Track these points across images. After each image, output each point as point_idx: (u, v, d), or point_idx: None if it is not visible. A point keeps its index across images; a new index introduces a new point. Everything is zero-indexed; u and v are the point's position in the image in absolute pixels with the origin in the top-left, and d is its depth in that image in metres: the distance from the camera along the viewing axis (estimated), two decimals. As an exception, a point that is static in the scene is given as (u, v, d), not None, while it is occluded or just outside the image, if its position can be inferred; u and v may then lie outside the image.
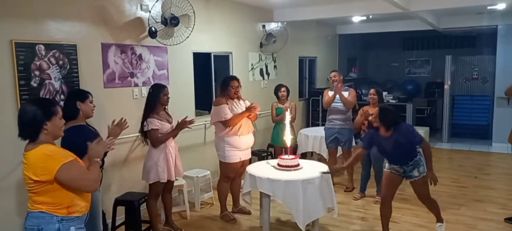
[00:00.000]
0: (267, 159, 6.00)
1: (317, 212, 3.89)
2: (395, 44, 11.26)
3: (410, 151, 3.75)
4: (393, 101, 8.80)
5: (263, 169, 4.10)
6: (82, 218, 2.37)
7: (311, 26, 8.36)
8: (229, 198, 4.82)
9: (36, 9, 3.64)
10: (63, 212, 2.25)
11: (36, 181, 2.17)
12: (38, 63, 3.64)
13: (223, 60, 6.11)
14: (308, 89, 8.67)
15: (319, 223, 4.25)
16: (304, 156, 6.35)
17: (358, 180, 5.53)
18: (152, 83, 4.54)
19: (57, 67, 3.80)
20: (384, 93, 7.55)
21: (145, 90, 4.57)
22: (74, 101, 3.12)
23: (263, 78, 6.98)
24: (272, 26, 6.90)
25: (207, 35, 5.59)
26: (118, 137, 3.38)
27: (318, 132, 6.20)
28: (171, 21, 4.53)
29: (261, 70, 6.92)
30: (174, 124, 4.08)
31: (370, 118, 4.81)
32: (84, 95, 3.19)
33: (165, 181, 4.04)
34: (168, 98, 4.05)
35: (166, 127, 3.99)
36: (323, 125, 6.18)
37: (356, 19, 7.81)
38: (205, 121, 5.46)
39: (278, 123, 5.87)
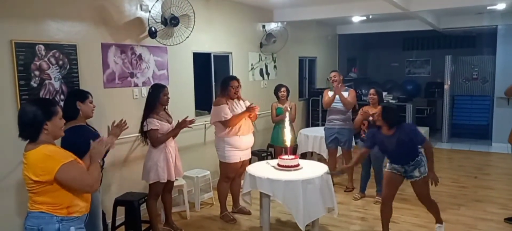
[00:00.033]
0: (267, 159, 6.00)
1: (317, 212, 3.89)
2: (395, 44, 11.27)
3: (412, 150, 3.75)
4: (393, 101, 8.80)
5: (263, 169, 4.10)
6: (82, 218, 2.37)
7: (311, 26, 8.36)
8: (229, 198, 4.82)
9: (36, 9, 3.64)
10: (63, 212, 2.25)
11: (36, 181, 2.17)
12: (38, 63, 3.64)
13: (223, 60, 6.11)
14: (308, 89, 8.68)
15: (319, 223, 4.25)
16: (304, 156, 6.35)
17: (358, 180, 5.53)
18: (152, 83, 4.54)
19: (57, 67, 3.80)
20: (384, 93, 7.55)
21: (145, 91, 4.57)
22: (74, 101, 3.12)
23: (263, 78, 6.98)
24: (272, 26, 6.90)
25: (207, 35, 5.59)
26: (118, 137, 3.38)
27: (318, 132, 6.20)
28: (171, 21, 4.53)
29: (261, 70, 6.92)
30: (174, 124, 4.08)
31: (370, 118, 4.82)
32: (84, 96, 3.19)
33: (165, 181, 4.04)
34: (168, 98, 4.05)
35: (166, 127, 3.99)
36: (323, 125, 6.18)
37: (356, 19, 7.81)
38: (205, 121, 5.46)
39: (278, 123, 5.87)
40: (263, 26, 6.81)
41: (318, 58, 8.97)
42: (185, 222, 4.69)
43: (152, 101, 3.98)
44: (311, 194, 3.76)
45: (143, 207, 4.20)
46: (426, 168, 3.75)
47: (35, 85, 3.63)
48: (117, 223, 4.20)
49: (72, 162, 2.22)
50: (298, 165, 4.05)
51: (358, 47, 11.25)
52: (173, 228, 4.35)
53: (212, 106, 4.55)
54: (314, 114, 8.41)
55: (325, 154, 6.00)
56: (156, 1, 4.57)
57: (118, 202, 4.14)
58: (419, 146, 3.78)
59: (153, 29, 4.52)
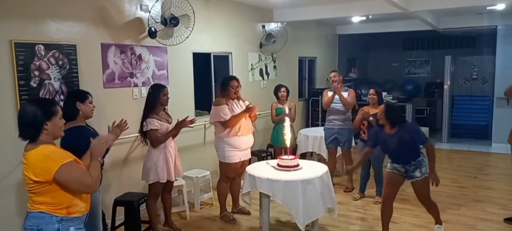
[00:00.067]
0: (266, 159, 6.00)
1: (317, 212, 3.89)
2: (394, 45, 11.27)
3: (414, 150, 3.75)
4: (393, 101, 8.78)
5: (262, 169, 4.09)
6: (81, 219, 2.37)
7: (310, 26, 8.36)
8: (229, 198, 4.82)
9: (35, 9, 3.64)
10: (62, 212, 2.25)
11: (36, 181, 2.17)
12: (37, 63, 3.64)
13: (223, 60, 6.11)
14: (308, 89, 8.68)
15: (319, 223, 4.25)
16: (303, 156, 6.34)
17: (357, 180, 5.53)
18: (152, 83, 4.54)
19: (57, 68, 3.80)
20: (384, 93, 7.54)
21: (144, 91, 4.57)
22: (74, 101, 3.12)
23: (263, 79, 6.98)
24: (272, 26, 6.90)
25: (206, 35, 5.59)
26: (118, 137, 3.38)
27: (318, 132, 6.20)
28: (170, 21, 4.53)
29: (261, 70, 6.92)
30: (174, 123, 4.08)
31: (371, 118, 4.82)
32: (83, 96, 3.19)
33: (165, 181, 4.04)
34: (167, 98, 4.05)
35: (165, 127, 3.98)
36: (322, 125, 6.18)
37: (356, 19, 7.81)
38: (205, 121, 5.46)
39: (277, 123, 5.87)
40: (263, 26, 6.81)
41: (318, 59, 8.97)
42: (184, 222, 4.68)
43: (151, 101, 3.98)
44: (310, 194, 3.76)
45: (143, 207, 4.20)
46: (427, 169, 3.75)
47: (34, 85, 3.63)
48: (117, 223, 4.20)
49: (72, 162, 2.22)
50: (297, 165, 4.05)
51: (358, 47, 11.26)
52: (172, 228, 4.35)
53: (212, 106, 4.55)
54: (314, 114, 8.41)
55: (325, 154, 6.00)
56: (156, 1, 4.57)
57: (117, 202, 4.14)
58: (420, 146, 3.79)
59: (153, 29, 4.52)
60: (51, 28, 3.76)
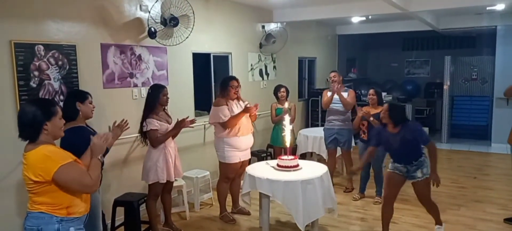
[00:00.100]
0: (266, 159, 6.00)
1: (316, 213, 3.89)
2: (394, 45, 11.28)
3: (416, 150, 3.76)
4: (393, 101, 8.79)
5: (262, 170, 4.09)
6: (81, 219, 2.37)
7: (310, 26, 8.36)
8: (229, 198, 4.82)
9: (35, 10, 3.64)
10: (62, 212, 2.25)
11: (36, 181, 2.17)
12: (37, 63, 3.64)
13: (223, 60, 6.11)
14: (308, 89, 8.68)
15: (319, 223, 4.25)
16: (303, 156, 6.34)
17: (357, 181, 5.53)
18: (152, 83, 4.54)
19: (57, 68, 3.80)
20: (384, 93, 7.54)
21: (144, 91, 4.57)
22: (74, 102, 3.12)
23: (263, 79, 6.98)
24: (272, 26, 6.90)
25: (206, 36, 5.59)
26: (119, 137, 3.39)
27: (318, 132, 6.20)
28: (170, 21, 4.53)
29: (261, 70, 6.92)
30: (174, 124, 4.08)
31: (371, 118, 4.82)
32: (83, 96, 3.19)
33: (165, 181, 4.04)
34: (167, 98, 4.05)
35: (165, 127, 3.98)
36: (322, 125, 6.18)
37: (356, 19, 7.82)
38: (205, 122, 5.46)
39: (277, 123, 5.87)
40: (263, 27, 6.81)
41: (317, 59, 8.97)
42: (184, 222, 4.68)
43: (151, 101, 3.98)
44: (310, 195, 3.76)
45: (143, 207, 4.20)
46: (429, 169, 3.75)
47: (34, 85, 3.63)
48: (117, 223, 4.19)
49: (71, 163, 2.22)
50: (297, 166, 4.05)
51: (358, 47, 11.26)
52: (172, 229, 4.35)
53: (212, 107, 4.55)
54: (313, 114, 8.41)
55: (324, 155, 5.99)
56: (156, 2, 4.57)
57: (117, 203, 4.14)
58: (422, 146, 3.79)
59: (152, 29, 4.52)
60: (51, 29, 3.76)
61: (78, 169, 2.25)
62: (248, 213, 4.83)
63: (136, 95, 4.62)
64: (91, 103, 3.21)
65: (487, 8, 6.75)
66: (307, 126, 8.22)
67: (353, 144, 5.70)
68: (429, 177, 3.75)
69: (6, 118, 3.40)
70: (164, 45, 4.80)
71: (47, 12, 3.72)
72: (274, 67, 7.29)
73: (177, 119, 4.06)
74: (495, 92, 8.13)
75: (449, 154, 8.01)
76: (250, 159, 4.79)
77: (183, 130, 4.16)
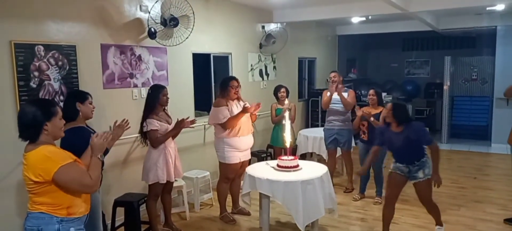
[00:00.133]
0: (266, 159, 6.00)
1: (316, 213, 3.88)
2: (394, 45, 11.28)
3: (418, 150, 3.76)
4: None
5: (262, 170, 4.09)
6: (81, 219, 2.37)
7: (310, 27, 8.36)
8: (229, 199, 4.82)
9: (35, 10, 3.64)
10: (62, 213, 2.25)
11: (36, 181, 2.17)
12: (37, 64, 3.64)
13: (223, 61, 6.11)
14: (308, 90, 8.68)
15: (319, 224, 4.24)
16: (303, 156, 6.34)
17: (357, 181, 5.53)
18: (152, 84, 4.54)
19: (57, 68, 3.80)
20: (384, 94, 7.54)
21: (144, 91, 4.57)
22: (74, 102, 3.12)
23: (263, 79, 6.98)
24: (272, 27, 6.90)
25: (206, 36, 5.59)
26: (120, 138, 3.39)
27: (318, 132, 6.20)
28: (170, 22, 4.53)
29: (261, 71, 6.92)
30: (174, 124, 4.08)
31: (371, 119, 4.83)
32: (83, 97, 3.19)
33: (165, 182, 4.04)
34: (167, 99, 4.05)
35: (165, 127, 3.98)
36: (322, 125, 6.19)
37: (356, 20, 7.82)
38: (205, 122, 5.46)
39: (277, 123, 5.87)
40: (263, 27, 6.81)
41: (317, 59, 8.97)
42: (184, 223, 4.68)
43: (151, 102, 3.98)
44: (310, 195, 3.76)
45: (143, 208, 4.20)
46: (430, 170, 3.75)
47: (34, 86, 3.63)
48: (117, 224, 4.19)
49: (71, 163, 2.22)
50: (297, 166, 4.04)
51: (358, 48, 11.26)
52: (172, 229, 4.35)
53: (212, 107, 4.55)
54: (313, 115, 8.41)
55: (324, 155, 5.99)
56: (156, 2, 4.58)
57: (117, 203, 4.14)
58: (425, 146, 3.79)
59: (152, 30, 4.52)
60: (51, 29, 3.76)
61: (78, 169, 2.25)
62: (248, 214, 4.83)
63: (136, 96, 4.62)
64: (91, 103, 3.21)
65: (487, 8, 6.75)
66: (307, 126, 8.22)
67: (353, 144, 5.70)
68: (430, 178, 3.75)
69: (6, 118, 3.40)
70: (164, 45, 4.80)
71: (47, 12, 3.72)
72: (274, 67, 7.29)
73: (177, 119, 4.06)
74: (495, 92, 8.13)
75: (449, 154, 8.01)
76: (250, 159, 4.79)
77: (183, 130, 4.16)
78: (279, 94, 5.89)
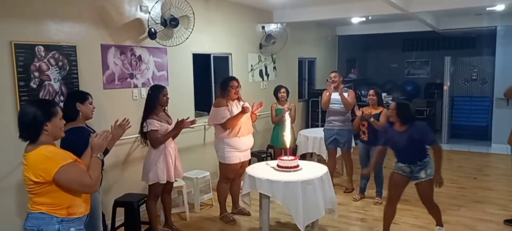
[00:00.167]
0: (266, 160, 6.00)
1: (317, 213, 3.88)
2: (394, 45, 11.28)
3: (421, 150, 3.77)
4: (393, 102, 8.77)
5: (262, 170, 4.09)
6: (82, 219, 2.37)
7: (310, 27, 8.37)
8: (229, 199, 4.82)
9: (35, 10, 3.64)
10: (63, 213, 2.25)
11: (36, 182, 2.17)
12: (37, 64, 3.64)
13: (223, 61, 6.11)
14: (308, 90, 8.68)
15: (319, 224, 4.24)
16: (303, 157, 6.34)
17: (357, 181, 5.53)
18: (152, 84, 4.54)
19: (57, 69, 3.80)
20: (384, 94, 7.54)
21: (144, 92, 4.57)
22: (74, 102, 3.12)
23: (263, 79, 6.98)
24: (272, 27, 6.90)
25: (206, 36, 5.59)
26: (120, 138, 3.39)
27: (318, 133, 6.20)
28: (170, 22, 4.54)
29: (261, 71, 6.93)
30: (174, 124, 4.08)
31: (371, 119, 4.83)
32: (83, 97, 3.19)
33: (165, 182, 4.04)
34: (167, 99, 4.05)
35: (165, 127, 3.98)
36: (322, 126, 6.19)
37: (356, 20, 7.82)
38: (205, 122, 5.46)
39: (277, 124, 5.87)
40: (263, 27, 6.82)
41: (317, 59, 8.97)
42: (184, 223, 4.68)
43: (151, 102, 3.98)
44: (310, 195, 3.76)
45: (143, 208, 4.20)
46: (432, 171, 3.75)
47: (34, 86, 3.63)
48: (117, 224, 4.20)
49: (72, 163, 2.22)
50: (297, 166, 4.05)
51: (358, 48, 11.27)
52: (172, 229, 4.35)
53: (212, 107, 4.55)
54: (313, 115, 8.41)
55: (324, 155, 5.99)
56: (156, 2, 4.58)
57: (117, 203, 4.14)
58: (427, 146, 3.79)
59: (152, 30, 4.53)
60: (51, 29, 3.77)
61: (79, 169, 2.25)
62: (248, 214, 4.83)
63: (136, 96, 4.63)
64: (91, 104, 3.21)
65: (487, 8, 6.75)
66: (307, 127, 8.23)
67: (353, 144, 5.70)
68: (432, 178, 3.75)
69: (6, 118, 3.41)
70: (164, 46, 4.80)
71: (47, 12, 3.73)
72: (274, 68, 7.29)
73: (177, 119, 4.06)
74: (495, 92, 8.13)
75: (449, 155, 8.00)
76: (250, 160, 4.79)
77: (183, 130, 4.16)
78: (279, 95, 5.89)
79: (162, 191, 4.18)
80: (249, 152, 4.70)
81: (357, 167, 5.61)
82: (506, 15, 7.55)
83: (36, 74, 3.64)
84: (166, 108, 4.14)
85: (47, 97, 3.69)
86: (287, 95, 5.96)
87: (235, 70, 6.17)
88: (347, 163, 5.74)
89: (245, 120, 4.48)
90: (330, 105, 5.47)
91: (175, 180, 4.30)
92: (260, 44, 6.74)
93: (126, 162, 4.60)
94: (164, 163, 3.99)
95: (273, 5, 6.52)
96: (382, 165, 5.18)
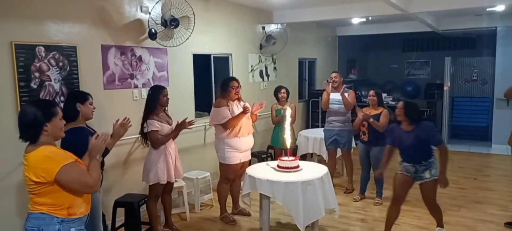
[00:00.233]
0: (267, 160, 6.00)
1: (317, 214, 3.89)
2: (394, 46, 11.28)
3: (427, 150, 3.77)
4: (393, 102, 8.79)
5: (262, 171, 4.10)
6: (82, 220, 2.37)
7: (310, 27, 8.37)
8: (229, 199, 4.82)
9: (36, 11, 3.64)
10: (63, 213, 2.25)
11: (37, 182, 2.17)
12: (38, 64, 3.64)
13: (223, 61, 6.11)
14: (308, 90, 8.68)
15: (319, 224, 4.24)
16: (304, 157, 6.34)
17: (357, 182, 5.53)
18: (152, 84, 4.54)
19: (57, 69, 3.81)
20: (384, 94, 7.55)
21: (145, 92, 4.57)
22: (74, 103, 3.12)
23: (263, 80, 6.98)
24: (272, 27, 6.91)
25: (207, 37, 5.59)
26: (121, 137, 3.40)
27: (318, 133, 6.19)
28: (171, 22, 4.54)
29: (261, 71, 6.93)
30: (174, 125, 4.09)
31: (371, 120, 4.82)
32: (84, 97, 3.19)
33: (165, 182, 4.04)
34: (167, 99, 4.05)
35: (166, 128, 3.99)
36: (322, 126, 6.19)
37: (356, 20, 7.83)
38: (205, 122, 5.47)
39: (278, 124, 5.87)
40: (263, 28, 6.82)
41: (318, 60, 8.97)
42: (184, 223, 4.68)
43: (151, 102, 3.98)
44: (311, 196, 3.76)
45: (143, 208, 4.20)
46: (437, 171, 3.74)
47: (35, 86, 3.63)
48: (117, 224, 4.20)
49: (73, 163, 2.22)
50: (297, 166, 4.05)
51: (358, 48, 11.27)
52: (172, 230, 4.35)
53: (212, 108, 4.55)
54: (314, 115, 8.41)
55: (325, 155, 5.99)
56: (156, 3, 4.58)
57: (118, 204, 4.14)
58: (433, 148, 3.79)
59: (153, 30, 4.53)
60: (52, 30, 3.77)
61: (80, 169, 2.26)
62: (248, 214, 4.83)
63: (136, 97, 4.63)
64: (91, 104, 3.22)
65: (487, 9, 6.75)
66: (307, 127, 8.23)
67: (353, 144, 5.70)
68: (437, 179, 3.75)
69: (6, 119, 3.41)
70: (165, 46, 4.80)
71: (47, 13, 3.73)
72: (275, 68, 7.30)
73: (177, 121, 4.07)
74: (495, 93, 8.12)
75: (449, 155, 7.93)
76: (250, 160, 4.79)
77: (183, 131, 4.16)
78: (280, 95, 5.89)
79: (162, 192, 4.18)
80: (249, 152, 4.70)
81: (357, 168, 5.61)
82: (506, 16, 7.55)
83: (37, 74, 3.64)
84: (166, 108, 4.14)
85: (47, 98, 3.69)
86: (287, 96, 5.96)
87: (235, 70, 6.17)
88: (347, 163, 5.74)
89: (245, 120, 4.49)
90: (330, 106, 5.47)
91: (176, 181, 4.31)
92: (261, 45, 6.75)
93: (127, 162, 4.61)
94: (164, 163, 4.00)
95: (273, 5, 6.53)
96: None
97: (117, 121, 3.34)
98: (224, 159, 4.50)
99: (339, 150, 5.66)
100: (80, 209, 2.33)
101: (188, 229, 4.54)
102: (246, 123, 4.49)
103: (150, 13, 4.54)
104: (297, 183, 3.74)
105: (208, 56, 5.75)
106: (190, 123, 4.14)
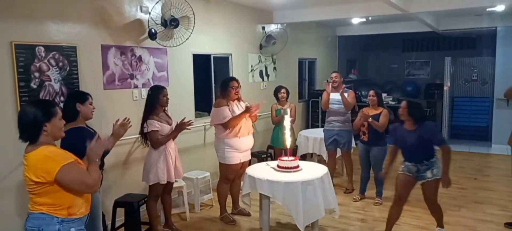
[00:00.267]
0: (266, 160, 6.00)
1: (317, 214, 3.89)
2: (394, 46, 11.29)
3: (429, 149, 3.77)
4: (393, 102, 8.80)
5: (262, 171, 4.10)
6: (82, 220, 2.37)
7: (310, 27, 8.37)
8: (229, 199, 4.82)
9: (36, 11, 3.64)
10: (63, 213, 2.25)
11: (37, 182, 2.17)
12: (38, 64, 3.65)
13: (223, 61, 6.11)
14: (308, 90, 8.68)
15: (319, 224, 4.24)
16: (304, 157, 6.34)
17: (357, 182, 5.53)
18: (152, 84, 4.54)
19: (57, 69, 3.81)
20: (384, 94, 7.55)
21: (145, 92, 4.57)
22: (74, 103, 3.13)
23: (263, 80, 6.98)
24: (272, 27, 6.91)
25: (207, 37, 5.59)
26: (121, 138, 3.40)
27: (318, 133, 6.19)
28: (170, 22, 4.54)
29: (261, 71, 6.93)
30: (174, 125, 4.09)
31: (370, 120, 4.82)
32: (83, 97, 3.19)
33: (165, 182, 4.04)
34: (167, 99, 4.05)
35: (166, 128, 3.99)
36: (322, 126, 6.19)
37: (356, 20, 7.83)
38: (205, 123, 5.47)
39: (277, 124, 5.87)
40: (263, 28, 6.82)
41: (318, 60, 8.98)
42: (184, 223, 4.68)
43: (151, 102, 3.98)
44: (310, 196, 3.76)
45: (143, 208, 4.20)
46: (439, 171, 3.74)
47: (35, 86, 3.63)
48: (117, 224, 4.20)
49: (73, 163, 2.22)
50: (297, 166, 4.05)
51: (358, 48, 11.27)
52: (172, 230, 4.35)
53: (212, 108, 4.55)
54: (313, 115, 8.41)
55: (325, 155, 5.99)
56: (156, 3, 4.58)
57: (117, 204, 4.14)
58: (436, 147, 3.80)
59: (153, 30, 4.53)
60: (51, 30, 3.77)
61: (80, 169, 2.26)
62: (248, 214, 4.83)
63: (136, 97, 4.63)
64: (91, 104, 3.22)
65: (487, 9, 6.75)
66: (307, 127, 8.23)
67: (353, 145, 5.70)
68: (438, 179, 3.75)
69: (6, 119, 3.41)
70: (165, 46, 4.80)
71: (47, 13, 3.73)
72: (274, 68, 7.30)
73: (177, 122, 4.07)
74: (495, 93, 8.12)
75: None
76: (250, 160, 4.79)
77: (183, 131, 4.16)
78: (279, 95, 5.89)
79: (162, 192, 4.18)
80: (249, 152, 4.70)
81: (357, 168, 5.61)
82: (506, 16, 7.55)
83: (37, 74, 3.64)
84: (166, 108, 4.14)
85: (47, 98, 3.69)
86: (287, 96, 5.96)
87: (235, 70, 6.17)
88: (347, 163, 5.74)
89: (245, 120, 4.48)
90: (330, 106, 5.47)
91: (176, 181, 4.31)
92: (260, 45, 6.75)
93: (127, 162, 4.61)
94: (164, 163, 4.00)
95: (273, 5, 6.53)
96: (382, 166, 5.18)
97: (117, 121, 3.34)
98: (224, 159, 4.50)
99: (339, 150, 5.66)
100: (80, 209, 2.33)
101: (188, 229, 4.54)
102: (246, 123, 4.49)
103: (150, 13, 4.54)
104: (297, 183, 3.74)
105: (208, 56, 5.75)
106: (189, 123, 4.14)
